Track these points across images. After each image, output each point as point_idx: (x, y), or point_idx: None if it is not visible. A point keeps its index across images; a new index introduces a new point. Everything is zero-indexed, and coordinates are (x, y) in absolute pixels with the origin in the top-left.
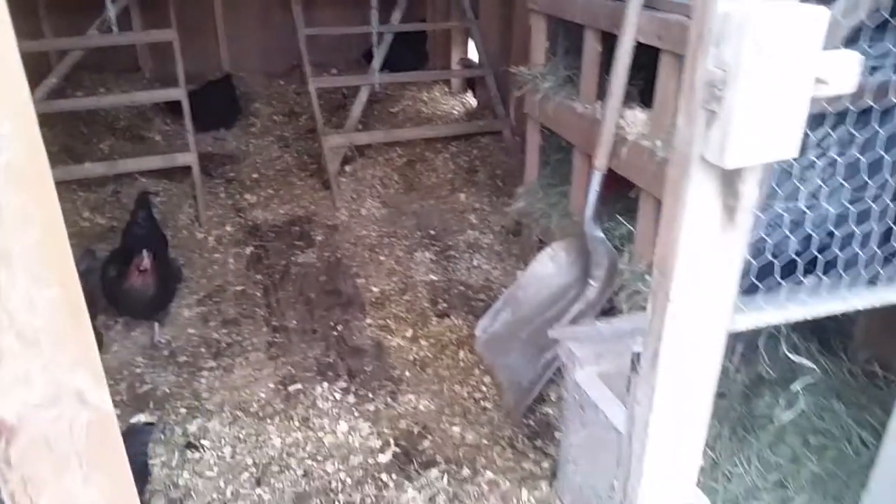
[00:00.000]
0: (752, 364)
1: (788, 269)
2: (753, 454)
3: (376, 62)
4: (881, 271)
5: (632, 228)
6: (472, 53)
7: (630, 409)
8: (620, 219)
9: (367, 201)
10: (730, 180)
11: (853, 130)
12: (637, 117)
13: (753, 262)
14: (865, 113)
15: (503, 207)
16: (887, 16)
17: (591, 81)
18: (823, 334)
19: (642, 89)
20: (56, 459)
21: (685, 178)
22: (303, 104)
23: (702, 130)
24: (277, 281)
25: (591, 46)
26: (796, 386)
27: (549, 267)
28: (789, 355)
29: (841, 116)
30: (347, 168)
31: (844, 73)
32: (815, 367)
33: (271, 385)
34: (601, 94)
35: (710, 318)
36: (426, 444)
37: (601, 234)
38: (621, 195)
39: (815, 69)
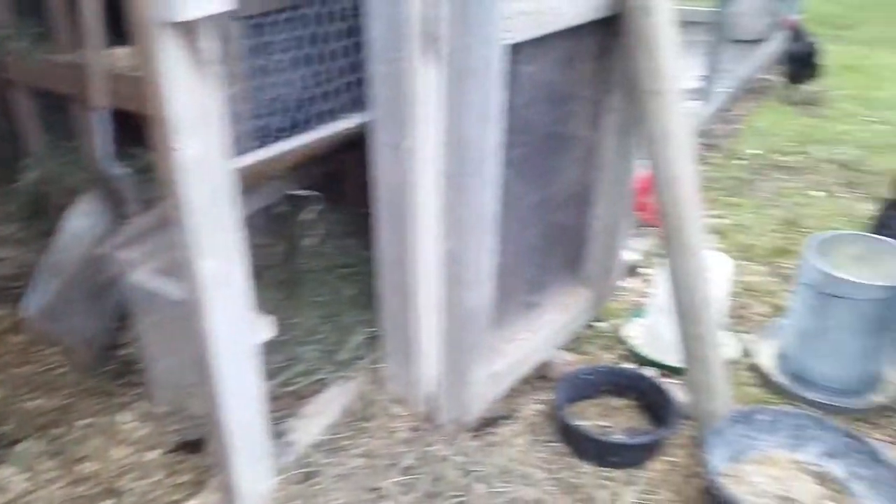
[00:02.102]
0: (283, 238)
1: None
2: (305, 303)
3: None
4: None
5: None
6: None
7: (185, 261)
8: (138, 150)
9: None
10: (190, 37)
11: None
12: (119, 53)
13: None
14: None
15: (8, 194)
16: None
17: (66, 32)
18: (328, 199)
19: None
20: None
21: (157, 42)
22: None
23: None
24: None
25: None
26: (307, 215)
27: (84, 221)
28: (297, 192)
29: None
30: None
31: None
32: (320, 195)
33: None
34: (77, 43)
35: (212, 155)
36: (8, 428)
37: (121, 171)
38: (129, 130)
39: None
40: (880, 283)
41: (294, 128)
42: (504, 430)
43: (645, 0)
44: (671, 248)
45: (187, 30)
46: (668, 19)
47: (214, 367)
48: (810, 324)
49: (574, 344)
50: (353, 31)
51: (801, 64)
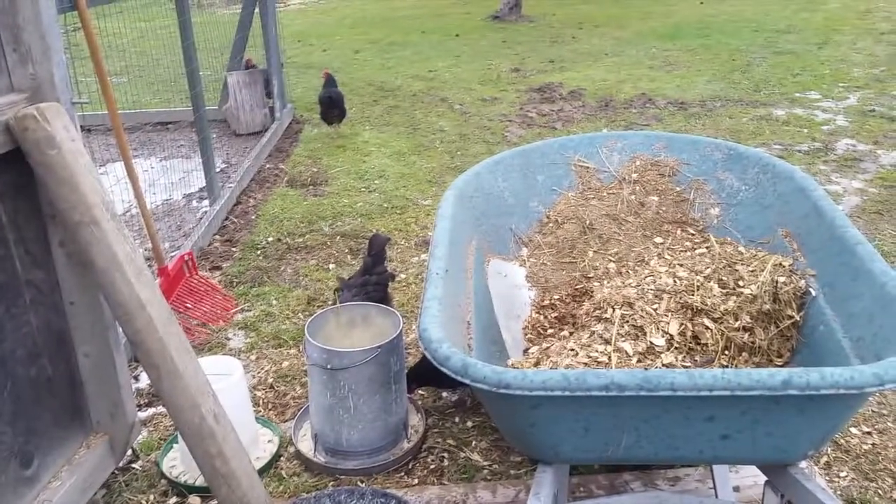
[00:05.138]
0: None
1: None
2: None
3: None
4: None
5: None
6: None
7: None
8: None
9: None
10: None
11: None
12: None
13: None
14: None
15: None
16: None
17: None
18: None
19: None
20: None
21: None
22: None
23: None
24: None
25: None
26: None
27: None
28: None
29: None
30: None
31: None
32: None
33: None
34: None
35: None
36: None
37: None
38: None
39: None
40: (371, 346)
41: None
42: None
43: (45, 132)
44: (159, 375)
45: None
46: (76, 149)
47: None
48: (328, 398)
49: (107, 497)
50: None
51: (330, 106)
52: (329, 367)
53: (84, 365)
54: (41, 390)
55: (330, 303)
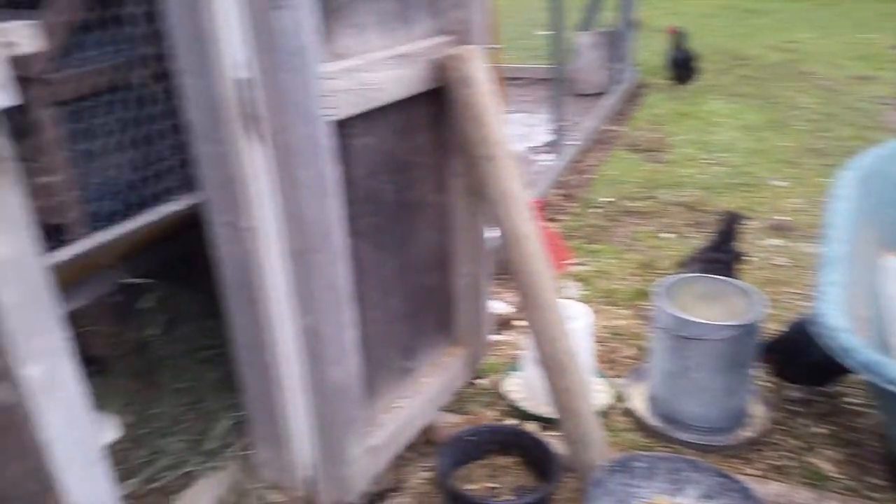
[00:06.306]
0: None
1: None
2: (166, 392)
3: None
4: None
5: None
6: None
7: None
8: None
9: None
10: None
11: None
12: None
13: None
14: None
15: None
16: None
17: None
18: (184, 280)
19: None
20: None
21: None
22: None
23: None
24: None
25: None
26: (146, 303)
27: None
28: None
29: None
30: None
31: (27, 38)
32: (156, 281)
33: None
34: None
35: (21, 253)
36: None
37: None
38: None
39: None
40: (730, 323)
41: (128, 211)
42: None
43: (465, 72)
44: (527, 304)
45: None
46: (488, 89)
47: (58, 482)
48: (672, 365)
49: (457, 404)
50: (179, 111)
51: (683, 67)
52: (680, 334)
53: (459, 284)
54: (427, 297)
55: (670, 273)
